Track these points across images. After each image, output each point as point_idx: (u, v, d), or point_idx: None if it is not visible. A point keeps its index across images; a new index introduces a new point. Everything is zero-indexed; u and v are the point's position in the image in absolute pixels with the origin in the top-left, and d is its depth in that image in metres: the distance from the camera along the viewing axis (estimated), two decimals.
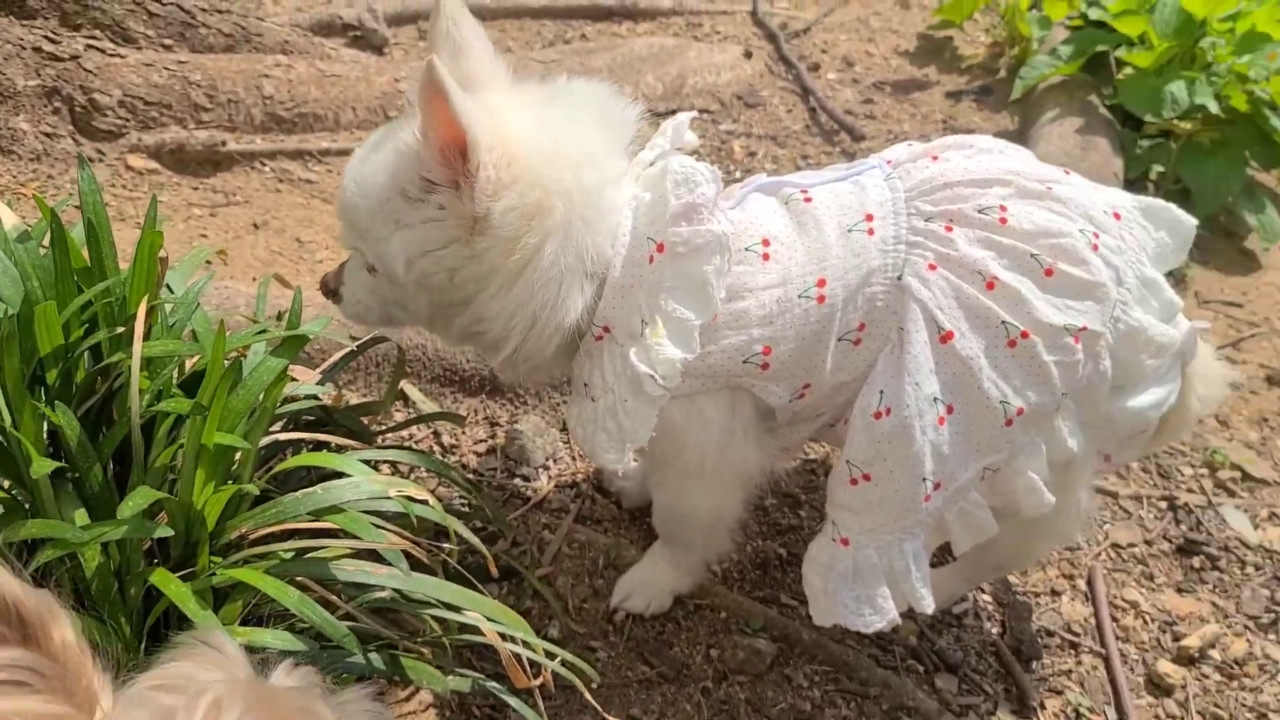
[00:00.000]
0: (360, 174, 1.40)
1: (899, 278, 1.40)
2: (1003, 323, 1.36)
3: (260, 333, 1.39)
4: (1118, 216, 1.47)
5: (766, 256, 1.43)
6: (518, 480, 1.99)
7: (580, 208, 1.36)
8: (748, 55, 3.41)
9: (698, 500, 1.64)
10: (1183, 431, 1.71)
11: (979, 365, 1.37)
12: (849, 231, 1.43)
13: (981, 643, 1.89)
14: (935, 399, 1.39)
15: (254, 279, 2.28)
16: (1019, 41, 3.44)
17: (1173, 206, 1.56)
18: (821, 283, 1.41)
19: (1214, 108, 2.82)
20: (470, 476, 1.95)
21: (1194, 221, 1.56)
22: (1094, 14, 3.22)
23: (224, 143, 2.53)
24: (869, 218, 1.43)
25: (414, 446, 1.96)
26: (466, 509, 1.83)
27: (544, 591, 1.75)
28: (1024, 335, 1.36)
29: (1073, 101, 3.07)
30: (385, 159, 1.38)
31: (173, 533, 1.16)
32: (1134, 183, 2.94)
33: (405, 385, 1.98)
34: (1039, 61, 3.15)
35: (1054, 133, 2.95)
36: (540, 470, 2.01)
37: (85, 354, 1.29)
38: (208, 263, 1.80)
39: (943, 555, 1.84)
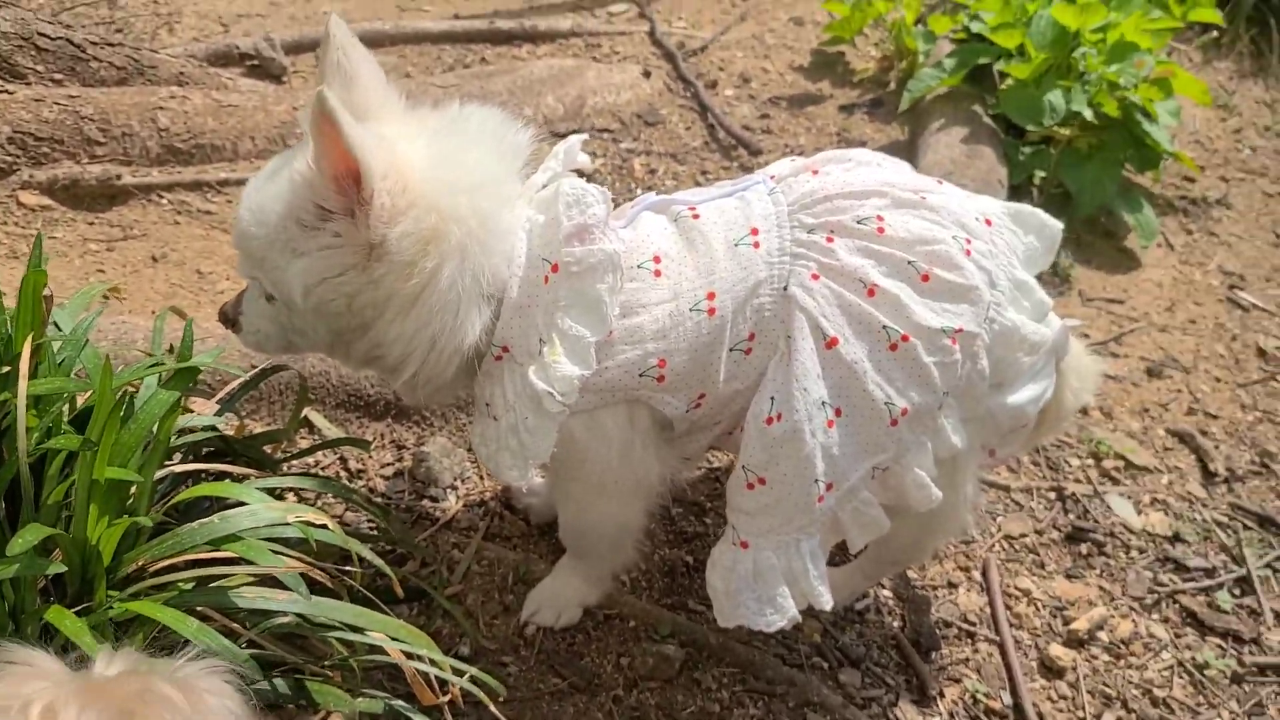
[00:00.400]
0: (256, 202, 1.42)
1: (784, 288, 1.46)
2: (884, 327, 1.43)
3: (153, 366, 1.39)
4: (989, 223, 1.55)
5: (658, 273, 1.48)
6: (426, 501, 2.01)
7: (476, 231, 1.39)
8: (646, 75, 3.47)
9: (602, 512, 1.68)
10: (1060, 424, 1.80)
11: (863, 369, 1.44)
12: (735, 245, 1.49)
13: (883, 637, 1.95)
14: (823, 403, 1.45)
15: (153, 313, 2.26)
16: (906, 55, 3.56)
17: (1039, 212, 1.64)
18: (711, 296, 1.46)
19: (1088, 114, 2.95)
20: (378, 500, 1.97)
21: (1059, 225, 1.65)
22: (975, 28, 3.34)
23: (119, 176, 2.52)
24: (754, 231, 1.50)
25: (319, 473, 1.97)
26: (374, 532, 1.84)
27: (453, 610, 1.77)
28: (904, 338, 1.43)
29: (958, 112, 3.20)
30: (280, 188, 1.39)
31: (66, 568, 1.17)
32: (1018, 188, 3.07)
33: (310, 412, 1.99)
34: (925, 74, 3.27)
35: (941, 142, 3.06)
36: (448, 490, 2.03)
37: None
38: (105, 298, 1.80)
39: (843, 555, 1.90)
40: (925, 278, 1.45)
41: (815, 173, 1.57)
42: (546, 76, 3.26)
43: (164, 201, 2.58)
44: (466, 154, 1.43)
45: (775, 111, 3.45)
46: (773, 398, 1.46)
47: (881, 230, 1.46)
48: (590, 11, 3.99)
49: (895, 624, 1.98)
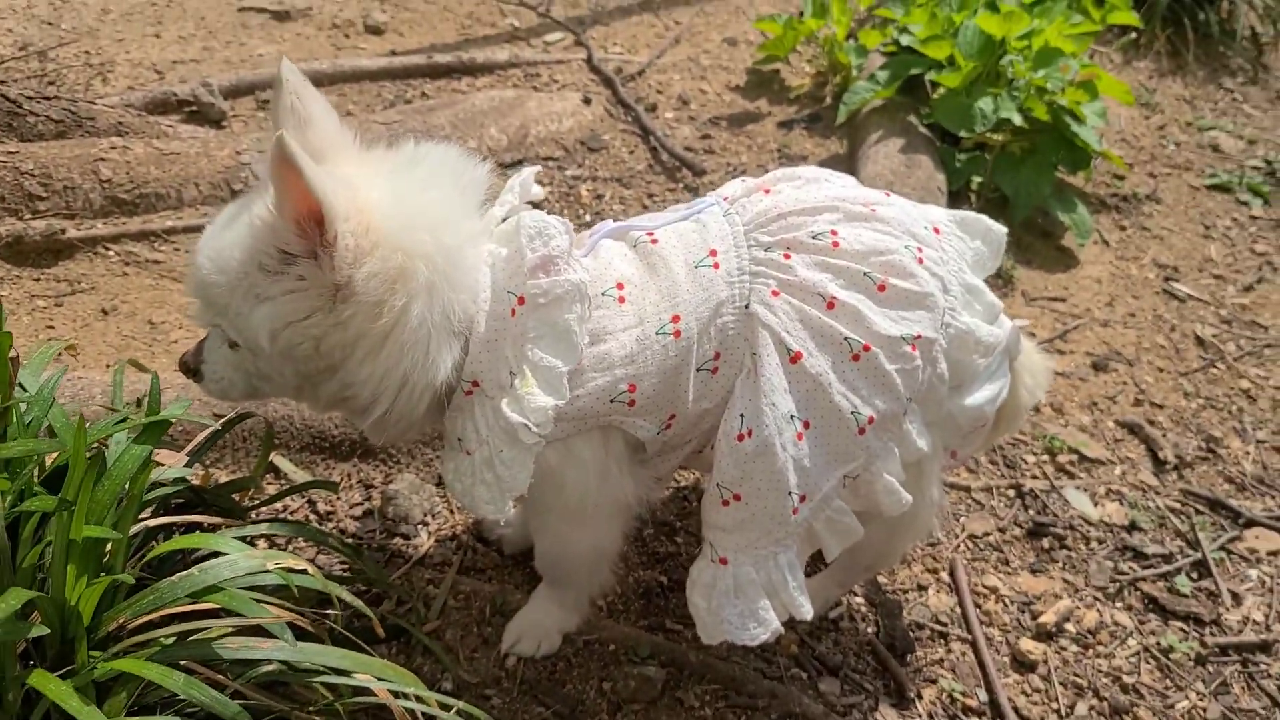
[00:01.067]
0: (214, 249, 1.41)
1: (746, 306, 1.49)
2: (845, 339, 1.47)
3: (121, 421, 1.38)
4: (937, 231, 1.61)
5: (622, 299, 1.51)
6: (397, 539, 2.01)
7: (443, 268, 1.40)
8: (586, 101, 3.51)
9: (579, 539, 1.69)
10: (1016, 421, 1.84)
11: (828, 380, 1.47)
12: (696, 267, 1.52)
13: (859, 643, 1.99)
14: (792, 416, 1.48)
15: (107, 366, 2.24)
16: (840, 70, 3.63)
17: (984, 218, 1.69)
18: (676, 319, 1.50)
19: (1017, 119, 3.04)
20: (349, 541, 1.96)
21: (1004, 230, 1.70)
22: (905, 40, 3.43)
23: (63, 230, 2.49)
24: (713, 253, 1.53)
25: (289, 518, 1.96)
26: (348, 574, 1.84)
27: (433, 646, 1.77)
28: (866, 348, 1.47)
29: (894, 123, 3.27)
30: (239, 234, 1.39)
31: (48, 631, 1.15)
32: (956, 194, 3.15)
33: (275, 457, 1.98)
34: (859, 88, 3.34)
35: (880, 153, 3.13)
36: (419, 527, 2.03)
37: None
38: (59, 355, 1.78)
39: (815, 564, 1.93)
40: (882, 288, 1.49)
41: (767, 191, 1.62)
42: (488, 108, 3.28)
43: (110, 253, 2.55)
44: (426, 192, 1.44)
45: (716, 131, 3.50)
46: (742, 415, 1.49)
47: (836, 244, 1.50)
48: (526, 41, 4.02)
49: (869, 630, 2.01)
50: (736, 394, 1.50)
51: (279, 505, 1.97)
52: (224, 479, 1.93)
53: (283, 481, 2.01)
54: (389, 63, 3.61)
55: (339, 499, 2.05)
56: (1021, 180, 3.10)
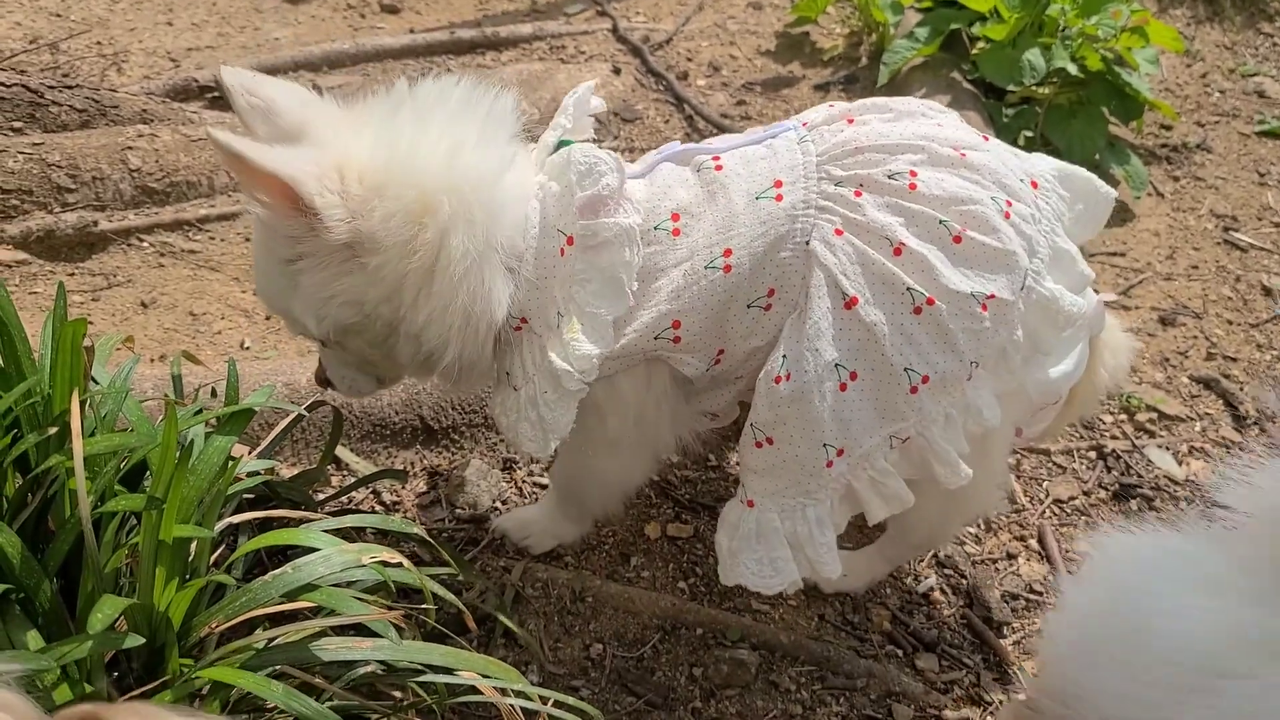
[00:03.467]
0: (256, 264, 1.45)
1: (807, 243, 1.40)
2: (908, 289, 1.36)
3: (199, 413, 1.30)
4: (1035, 185, 1.48)
5: (677, 232, 1.44)
6: (469, 526, 1.92)
7: (472, 198, 1.35)
8: (616, 72, 3.41)
9: (605, 468, 1.66)
10: (1091, 404, 1.72)
11: (883, 331, 1.37)
12: (757, 199, 1.43)
13: (953, 617, 1.90)
14: (836, 365, 1.39)
15: (152, 360, 2.15)
16: (875, 29, 3.53)
17: (1093, 177, 1.57)
18: (728, 253, 1.41)
19: (1073, 69, 2.94)
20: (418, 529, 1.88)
21: (1112, 193, 1.58)
22: None
23: (95, 223, 2.40)
24: (778, 184, 1.44)
25: (359, 509, 1.87)
26: (430, 565, 1.76)
27: (524, 636, 1.69)
28: (929, 302, 1.36)
29: (938, 80, 3.17)
30: (259, 239, 1.42)
31: (143, 640, 1.07)
32: None
33: (337, 448, 1.89)
34: (899, 45, 3.23)
35: None
36: (490, 513, 1.95)
37: (10, 465, 1.18)
38: (126, 340, 1.69)
39: (863, 537, 1.85)
40: (958, 239, 1.38)
41: (850, 121, 1.51)
42: (518, 82, 3.18)
43: (145, 244, 2.46)
44: (427, 124, 1.38)
45: (750, 97, 3.40)
46: (784, 356, 1.41)
47: (914, 187, 1.39)
48: (548, 15, 3.91)
49: (961, 603, 1.93)
50: (784, 334, 1.42)
51: (345, 497, 1.89)
52: (285, 470, 1.85)
53: (345, 473, 1.93)
54: (411, 40, 3.51)
55: (405, 488, 1.96)
56: (1074, 133, 3.00)
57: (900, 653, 1.83)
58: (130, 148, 2.53)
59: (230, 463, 1.21)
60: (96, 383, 1.33)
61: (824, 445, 1.42)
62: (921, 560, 2.00)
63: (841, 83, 3.47)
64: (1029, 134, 3.07)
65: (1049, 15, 3.06)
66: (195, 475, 1.15)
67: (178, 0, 3.85)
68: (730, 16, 3.93)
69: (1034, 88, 3.04)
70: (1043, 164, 1.54)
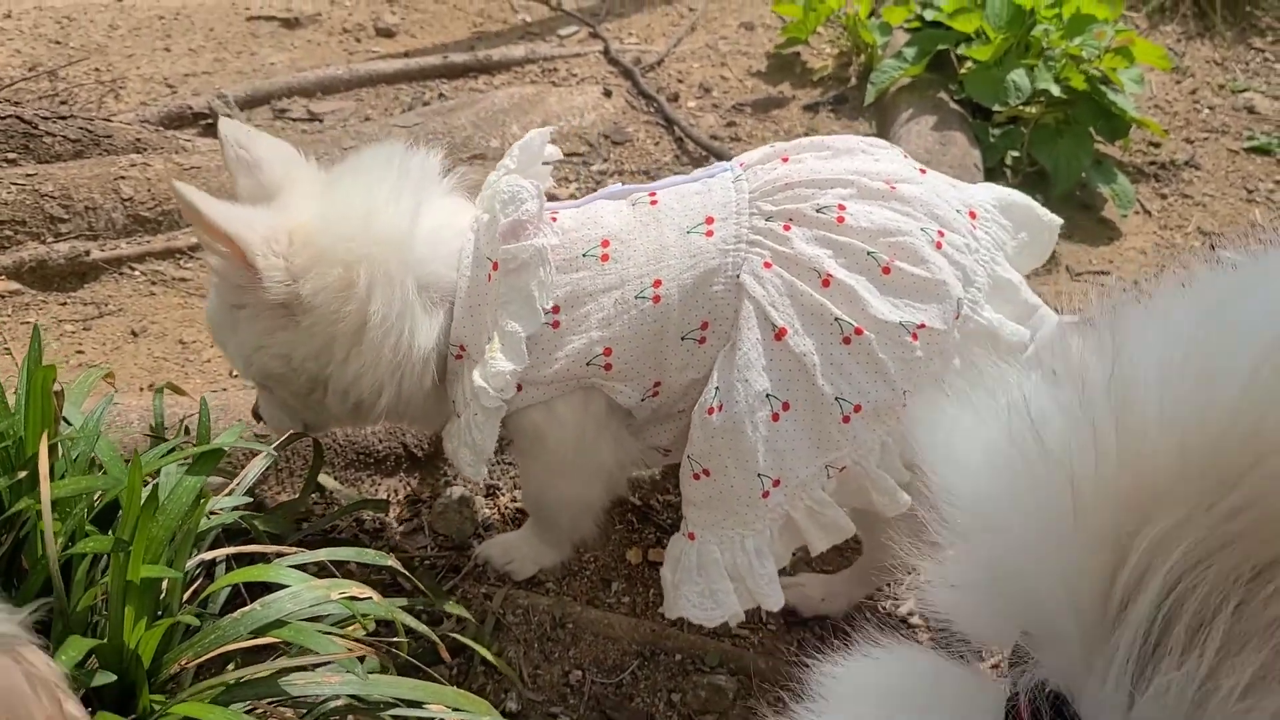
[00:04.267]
0: (209, 298, 1.58)
1: (738, 276, 1.43)
2: (836, 319, 1.38)
3: (171, 452, 1.33)
4: (973, 215, 1.49)
5: (605, 258, 1.48)
6: (451, 553, 1.94)
7: (386, 255, 1.45)
8: (607, 94, 3.44)
9: (561, 490, 1.72)
10: None
11: (812, 361, 1.39)
12: (688, 233, 1.47)
13: (932, 640, 1.91)
14: (768, 395, 1.41)
15: (141, 390, 2.18)
16: (864, 49, 3.55)
17: (1034, 205, 1.58)
18: (657, 283, 1.45)
19: (1056, 90, 2.95)
20: (400, 557, 1.90)
21: (1057, 221, 1.59)
22: (930, 15, 3.34)
23: (87, 252, 2.43)
24: (709, 220, 1.48)
25: (340, 538, 1.90)
26: (406, 594, 1.78)
27: (499, 664, 1.71)
28: (858, 332, 1.38)
29: (924, 100, 3.19)
30: (212, 285, 1.55)
31: (113, 677, 1.09)
32: (992, 170, 3.06)
33: (320, 476, 1.92)
34: (887, 66, 3.26)
35: (912, 132, 3.05)
36: (473, 540, 1.97)
37: None
38: (106, 377, 1.72)
39: (843, 559, 1.86)
40: (886, 270, 1.40)
41: (785, 160, 1.54)
42: (509, 106, 3.22)
43: (136, 273, 2.50)
44: (352, 193, 1.51)
45: (740, 118, 3.42)
46: (717, 388, 1.43)
47: (842, 220, 1.42)
48: (540, 37, 3.95)
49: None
50: (716, 366, 1.45)
51: (326, 527, 1.91)
52: (267, 500, 1.87)
53: (328, 500, 1.95)
54: (405, 65, 3.55)
55: (387, 515, 1.99)
56: (1060, 153, 3.01)
57: None
58: (123, 177, 2.57)
59: (201, 501, 1.24)
60: (69, 424, 1.36)
61: (759, 475, 1.44)
62: (902, 583, 2.01)
63: (831, 103, 3.49)
64: (1015, 154, 3.09)
65: (1034, 36, 3.08)
66: (165, 515, 1.18)
67: (175, 26, 3.90)
68: (722, 37, 3.96)
69: (1020, 107, 3.06)
70: (983, 194, 1.56)
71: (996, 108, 3.09)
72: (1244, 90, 3.85)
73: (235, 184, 1.51)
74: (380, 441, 2.03)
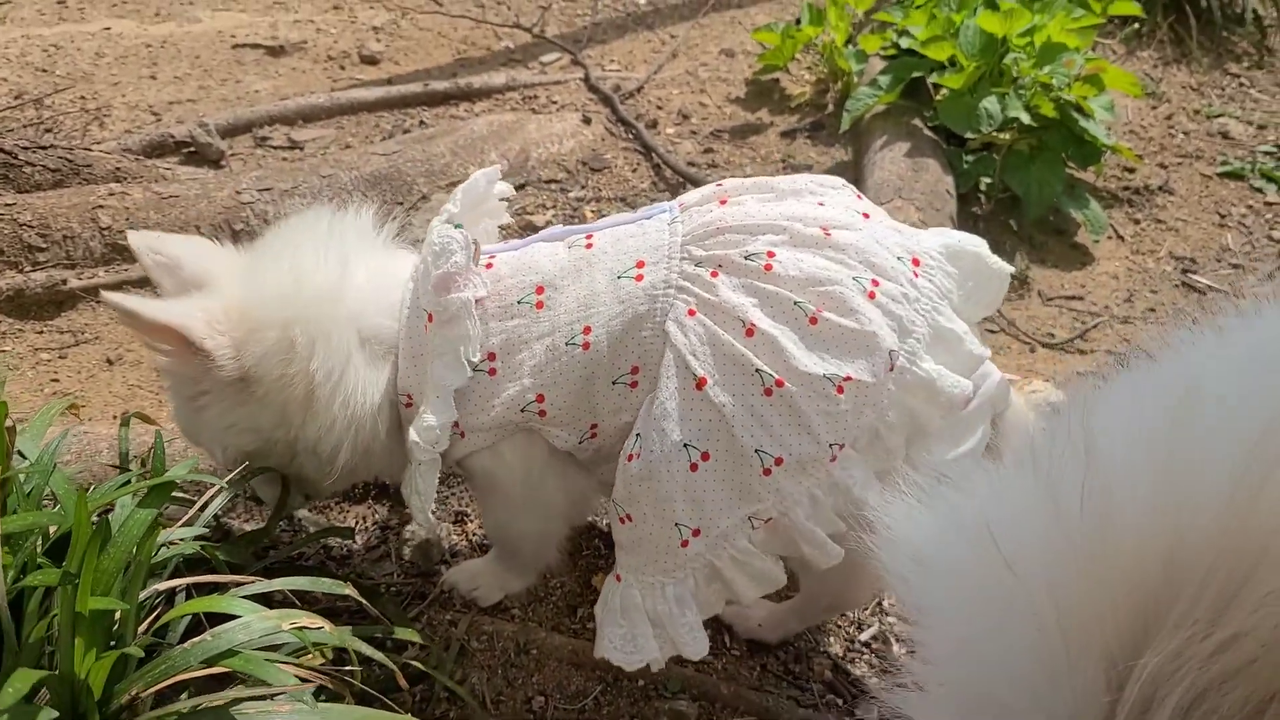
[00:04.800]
0: (173, 413, 1.61)
1: (664, 322, 1.43)
2: (757, 370, 1.36)
3: (125, 485, 1.35)
4: (917, 262, 1.47)
5: (540, 305, 1.51)
6: (417, 580, 1.96)
7: (320, 314, 1.48)
8: (586, 121, 3.47)
9: (521, 526, 1.75)
10: None
11: (732, 413, 1.37)
12: (618, 278, 1.48)
13: (895, 667, 1.93)
14: (685, 445, 1.39)
15: (114, 418, 2.21)
16: (840, 76, 3.59)
17: (984, 253, 1.56)
18: (587, 330, 1.47)
19: (1026, 118, 2.99)
20: (367, 585, 1.92)
21: (1007, 269, 1.57)
22: (905, 43, 3.39)
23: (65, 281, 2.46)
24: (640, 264, 1.48)
25: (306, 565, 1.92)
26: (368, 622, 1.79)
27: (461, 692, 1.72)
28: (779, 384, 1.35)
29: (898, 127, 3.22)
30: (169, 386, 1.58)
31: (57, 714, 1.11)
32: (965, 196, 3.10)
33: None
34: (861, 93, 3.30)
35: (885, 159, 3.09)
36: (440, 567, 1.99)
37: None
38: (61, 415, 1.75)
39: (787, 590, 1.88)
40: (814, 321, 1.37)
41: (724, 202, 1.53)
42: (488, 134, 3.25)
43: None
44: (275, 261, 1.55)
45: (718, 145, 3.46)
46: (637, 435, 1.44)
47: (769, 268, 1.40)
48: (523, 64, 3.99)
49: (905, 650, 1.96)
50: (641, 412, 1.45)
51: (293, 555, 1.93)
52: (236, 527, 1.89)
53: (296, 527, 1.97)
54: (386, 93, 3.59)
55: (355, 543, 2.01)
56: (1032, 179, 3.05)
57: (840, 701, 1.86)
58: (101, 206, 2.60)
59: (155, 532, 1.26)
60: (25, 458, 1.38)
61: (676, 525, 1.43)
62: (866, 608, 2.03)
63: (808, 130, 3.53)
64: (988, 180, 3.13)
65: (1005, 64, 3.12)
66: (115, 547, 1.20)
67: (161, 54, 3.94)
68: (702, 64, 4.00)
69: (993, 134, 3.10)
70: (930, 240, 1.53)
71: (969, 134, 3.12)
72: (1219, 115, 3.90)
73: (160, 288, 1.54)
74: None
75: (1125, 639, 0.56)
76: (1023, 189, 3.06)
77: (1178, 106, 3.95)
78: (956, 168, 3.13)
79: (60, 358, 2.36)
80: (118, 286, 2.54)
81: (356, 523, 2.04)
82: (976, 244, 1.57)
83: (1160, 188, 3.46)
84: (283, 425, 1.51)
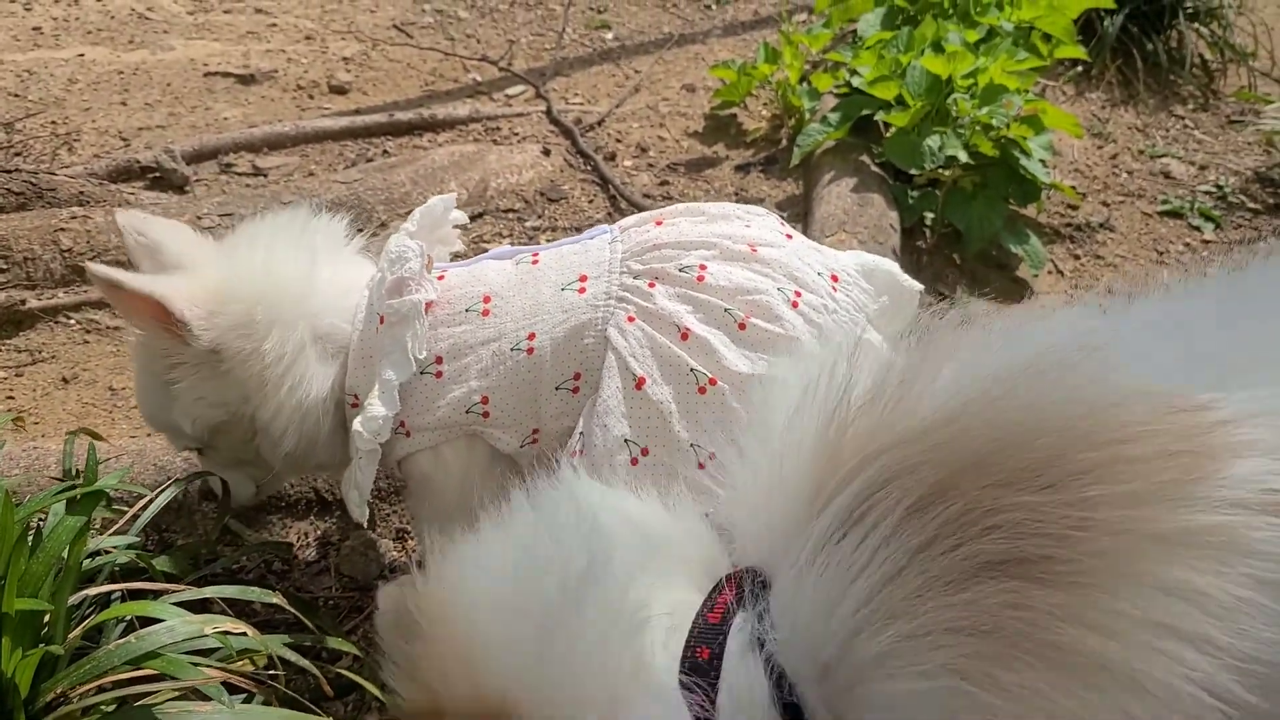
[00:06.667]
0: (138, 390, 1.69)
1: (606, 330, 1.55)
2: (692, 370, 1.48)
3: (60, 492, 1.41)
4: (835, 279, 1.61)
5: (486, 313, 1.61)
6: (355, 594, 2.02)
7: (282, 301, 1.58)
8: (546, 153, 3.57)
9: (450, 533, 1.78)
10: None
11: (669, 409, 1.49)
12: (562, 290, 1.60)
13: None
14: (626, 440, 1.50)
15: (67, 434, 2.26)
16: (794, 113, 3.70)
17: (896, 271, 1.69)
18: (531, 336, 1.57)
19: (963, 157, 3.10)
20: (303, 598, 1.98)
21: (917, 286, 1.69)
22: (856, 82, 3.49)
23: (24, 301, 2.52)
24: (583, 278, 1.60)
25: (243, 578, 1.97)
26: (300, 633, 1.85)
27: (388, 701, 1.78)
28: (712, 382, 1.48)
29: (846, 163, 3.33)
30: (139, 364, 1.65)
31: None
32: (910, 230, 3.20)
33: (229, 519, 2.00)
34: (812, 129, 3.40)
35: (833, 193, 3.18)
36: (378, 582, 2.05)
37: None
38: (16, 420, 1.81)
39: None
40: (742, 326, 1.51)
41: (659, 224, 1.67)
42: (448, 163, 3.34)
43: (71, 321, 2.59)
44: (252, 251, 1.64)
45: (674, 177, 3.56)
46: (580, 433, 1.54)
47: (702, 279, 1.54)
48: (489, 95, 4.09)
49: None
50: (583, 413, 1.55)
51: (234, 565, 1.99)
52: (179, 540, 1.95)
53: (237, 542, 2.03)
54: (351, 122, 3.67)
55: (296, 557, 2.07)
56: (973, 215, 3.15)
57: None
58: (63, 229, 2.67)
59: (84, 537, 1.32)
60: None
61: None
62: None
63: (761, 164, 3.64)
64: (932, 215, 3.23)
65: (948, 104, 3.23)
66: (44, 552, 1.26)
67: (134, 81, 4.02)
68: (664, 99, 4.11)
69: (937, 171, 3.20)
70: (847, 259, 1.67)
71: (914, 171, 3.23)
72: (1162, 155, 4.02)
73: (138, 268, 1.62)
74: (292, 487, 2.11)
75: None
76: (964, 224, 3.16)
77: (1123, 146, 4.07)
78: (902, 203, 3.23)
79: (17, 375, 2.42)
80: (77, 308, 2.61)
81: (298, 539, 2.10)
82: (889, 265, 1.70)
83: (1102, 224, 3.57)
84: (248, 400, 1.58)
